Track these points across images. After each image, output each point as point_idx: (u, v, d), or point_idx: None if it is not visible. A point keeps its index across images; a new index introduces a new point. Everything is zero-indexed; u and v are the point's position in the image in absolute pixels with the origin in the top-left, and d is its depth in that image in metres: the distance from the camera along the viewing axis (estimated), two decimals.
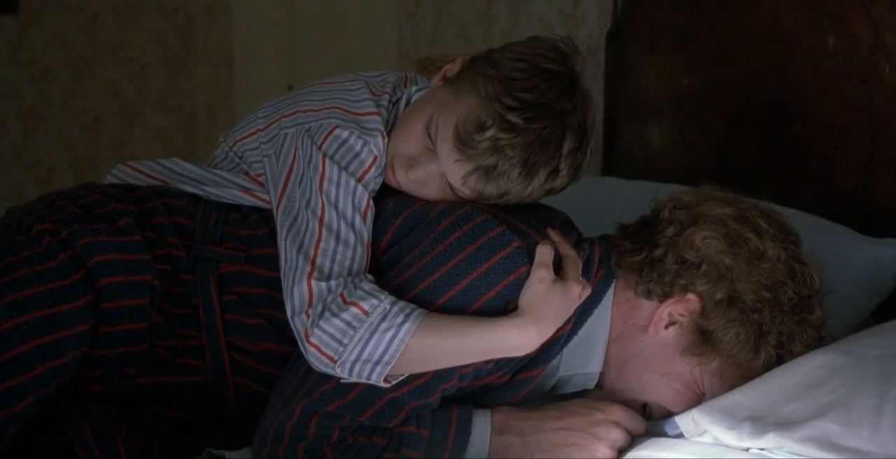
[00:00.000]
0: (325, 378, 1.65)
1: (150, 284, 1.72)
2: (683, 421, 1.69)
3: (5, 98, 3.94)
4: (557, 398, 1.86)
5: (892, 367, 1.63)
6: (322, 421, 1.64)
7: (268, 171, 1.79)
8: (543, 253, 1.67)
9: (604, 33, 2.71)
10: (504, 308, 1.66)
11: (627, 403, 1.80)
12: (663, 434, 1.75)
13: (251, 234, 1.79)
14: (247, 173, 1.86)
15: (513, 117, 1.67)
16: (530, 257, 1.67)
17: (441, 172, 1.73)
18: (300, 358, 1.68)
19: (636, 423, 1.76)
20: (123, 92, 4.17)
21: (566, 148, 1.71)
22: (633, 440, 1.75)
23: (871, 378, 1.62)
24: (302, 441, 1.64)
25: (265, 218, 1.80)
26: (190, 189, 1.85)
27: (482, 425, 1.73)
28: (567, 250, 1.71)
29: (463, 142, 1.69)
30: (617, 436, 1.73)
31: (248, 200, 1.83)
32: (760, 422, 1.61)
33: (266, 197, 1.81)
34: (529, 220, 1.75)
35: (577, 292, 1.67)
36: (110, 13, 4.10)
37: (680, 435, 1.71)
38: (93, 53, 4.09)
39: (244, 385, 1.78)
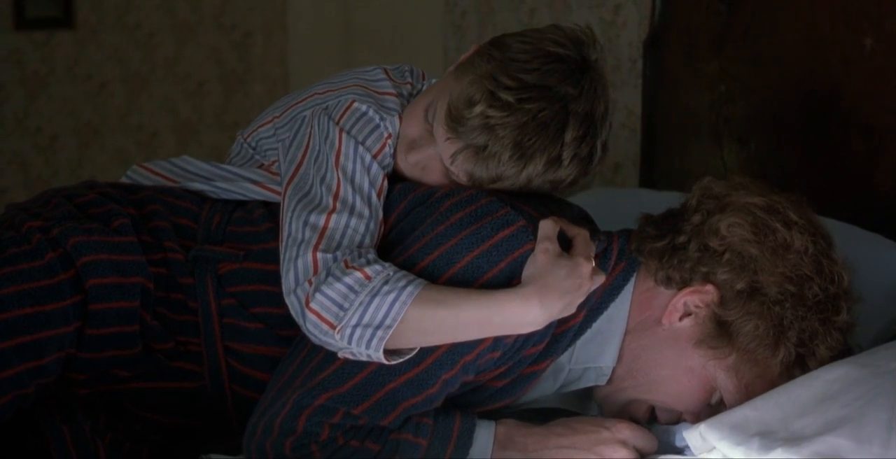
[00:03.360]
0: (323, 366, 1.60)
1: (143, 287, 1.69)
2: (691, 437, 1.62)
3: (61, 114, 3.96)
4: (566, 396, 1.80)
5: None
6: (312, 418, 1.59)
7: (281, 155, 1.76)
8: (545, 226, 1.61)
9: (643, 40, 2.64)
10: (508, 285, 1.59)
11: (633, 404, 1.73)
12: (671, 445, 1.70)
13: (253, 230, 1.75)
14: (261, 166, 1.85)
15: (505, 95, 1.62)
16: (536, 236, 1.61)
17: (439, 155, 1.68)
18: (299, 344, 1.64)
19: (646, 441, 1.68)
20: (179, 108, 4.18)
21: (569, 136, 1.64)
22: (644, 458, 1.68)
23: (886, 391, 1.54)
24: (290, 436, 1.60)
25: (271, 212, 1.76)
26: (199, 186, 1.83)
27: (484, 439, 1.66)
28: (575, 230, 1.64)
29: (454, 119, 1.65)
30: (623, 456, 1.65)
31: (257, 192, 1.81)
32: (769, 438, 1.54)
33: (277, 188, 1.78)
34: (538, 207, 1.69)
35: (587, 269, 1.59)
36: (167, 29, 4.11)
37: (687, 447, 1.64)
38: (149, 70, 4.09)
39: (241, 394, 1.73)
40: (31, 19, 3.84)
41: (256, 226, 1.75)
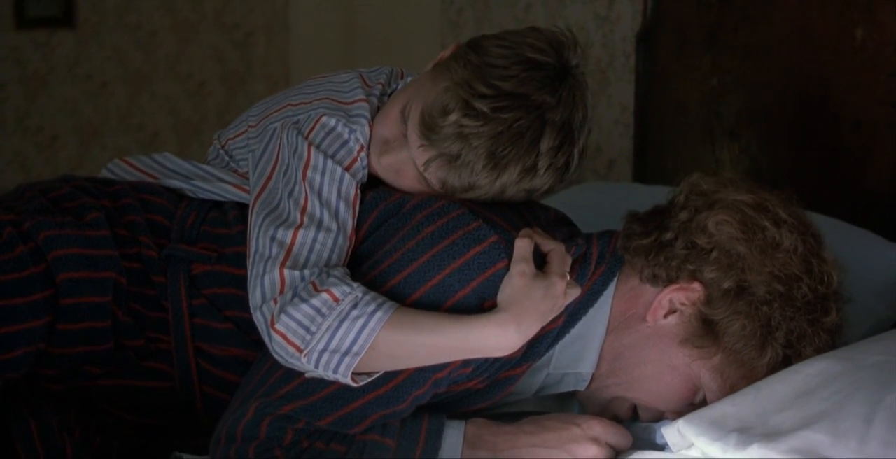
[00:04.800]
0: (287, 378, 1.58)
1: (115, 281, 1.67)
2: (669, 433, 1.59)
3: (62, 113, 3.95)
4: (545, 398, 1.77)
5: (889, 374, 1.52)
6: (274, 423, 1.57)
7: (251, 167, 1.74)
8: (521, 246, 1.57)
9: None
10: (479, 306, 1.56)
11: (615, 402, 1.70)
12: (651, 442, 1.66)
13: (226, 233, 1.73)
14: (235, 171, 1.83)
15: (480, 104, 1.58)
16: (508, 253, 1.57)
17: (413, 159, 1.65)
18: (265, 356, 1.60)
19: (619, 437, 1.65)
20: (181, 108, 4.17)
21: (545, 145, 1.60)
22: (618, 455, 1.64)
23: (865, 385, 1.51)
24: (253, 442, 1.57)
25: (244, 215, 1.73)
26: (177, 183, 1.81)
27: (454, 438, 1.63)
28: (550, 245, 1.61)
29: (427, 127, 1.61)
30: (594, 453, 1.62)
31: (234, 193, 1.78)
32: (747, 433, 1.51)
33: None
34: (511, 217, 1.65)
35: (562, 288, 1.57)
36: (168, 29, 4.10)
37: (668, 445, 1.60)
38: (150, 69, 4.08)
39: (211, 395, 1.71)
40: (31, 19, 3.84)
41: (230, 228, 1.73)
